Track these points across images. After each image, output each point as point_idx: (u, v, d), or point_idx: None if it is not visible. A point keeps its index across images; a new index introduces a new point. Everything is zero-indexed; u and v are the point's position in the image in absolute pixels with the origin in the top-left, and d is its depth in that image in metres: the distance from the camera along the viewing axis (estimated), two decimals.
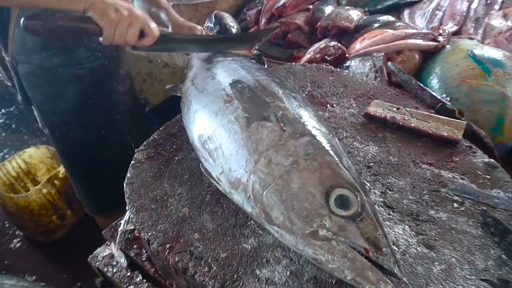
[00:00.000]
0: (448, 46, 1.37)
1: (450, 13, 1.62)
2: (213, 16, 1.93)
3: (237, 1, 2.17)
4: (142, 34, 0.94)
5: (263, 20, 1.92)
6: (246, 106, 0.77)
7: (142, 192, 0.87)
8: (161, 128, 1.07)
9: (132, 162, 0.96)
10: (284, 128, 0.71)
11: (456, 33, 1.51)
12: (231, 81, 0.86)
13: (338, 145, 0.73)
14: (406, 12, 1.75)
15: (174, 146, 1.00)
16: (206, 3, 2.04)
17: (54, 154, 2.25)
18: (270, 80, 0.89)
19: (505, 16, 1.51)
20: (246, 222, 0.76)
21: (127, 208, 0.85)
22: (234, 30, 1.90)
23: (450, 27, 1.52)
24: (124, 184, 0.89)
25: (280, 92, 0.83)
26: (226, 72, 0.92)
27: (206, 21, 1.98)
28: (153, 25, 0.95)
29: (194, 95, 0.93)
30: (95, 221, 1.74)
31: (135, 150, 0.99)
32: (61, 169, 2.05)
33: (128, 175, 0.92)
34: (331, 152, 0.68)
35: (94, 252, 0.94)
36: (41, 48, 1.19)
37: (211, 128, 0.80)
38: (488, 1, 1.65)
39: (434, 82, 1.26)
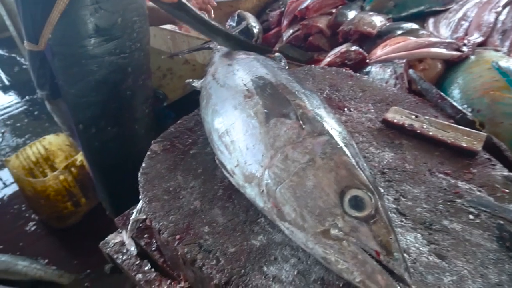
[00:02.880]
0: (472, 57, 1.34)
1: (477, 23, 1.58)
2: (236, 15, 1.95)
3: (260, 2, 2.18)
4: None
5: (285, 22, 1.93)
6: (266, 102, 0.77)
7: (156, 182, 0.88)
8: (178, 122, 1.09)
9: (148, 153, 0.97)
10: (303, 126, 0.71)
11: (481, 44, 1.48)
12: (253, 77, 0.87)
13: (355, 147, 0.72)
14: (431, 21, 1.72)
15: (190, 140, 1.01)
16: (229, 2, 2.06)
17: (73, 142, 2.31)
18: (291, 79, 0.89)
19: None
20: (257, 219, 0.77)
21: (140, 197, 0.87)
22: (256, 31, 1.92)
23: (476, 37, 1.49)
24: (139, 174, 0.91)
25: (301, 91, 0.84)
26: (249, 69, 0.93)
27: (229, 20, 2.00)
28: None
29: (215, 89, 0.94)
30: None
31: (151, 142, 1.01)
32: (79, 157, 2.10)
33: (143, 165, 0.93)
34: (348, 153, 0.68)
35: (106, 239, 0.96)
36: (92, 35, 1.18)
37: (229, 122, 0.81)
38: None
39: (456, 92, 1.24)
